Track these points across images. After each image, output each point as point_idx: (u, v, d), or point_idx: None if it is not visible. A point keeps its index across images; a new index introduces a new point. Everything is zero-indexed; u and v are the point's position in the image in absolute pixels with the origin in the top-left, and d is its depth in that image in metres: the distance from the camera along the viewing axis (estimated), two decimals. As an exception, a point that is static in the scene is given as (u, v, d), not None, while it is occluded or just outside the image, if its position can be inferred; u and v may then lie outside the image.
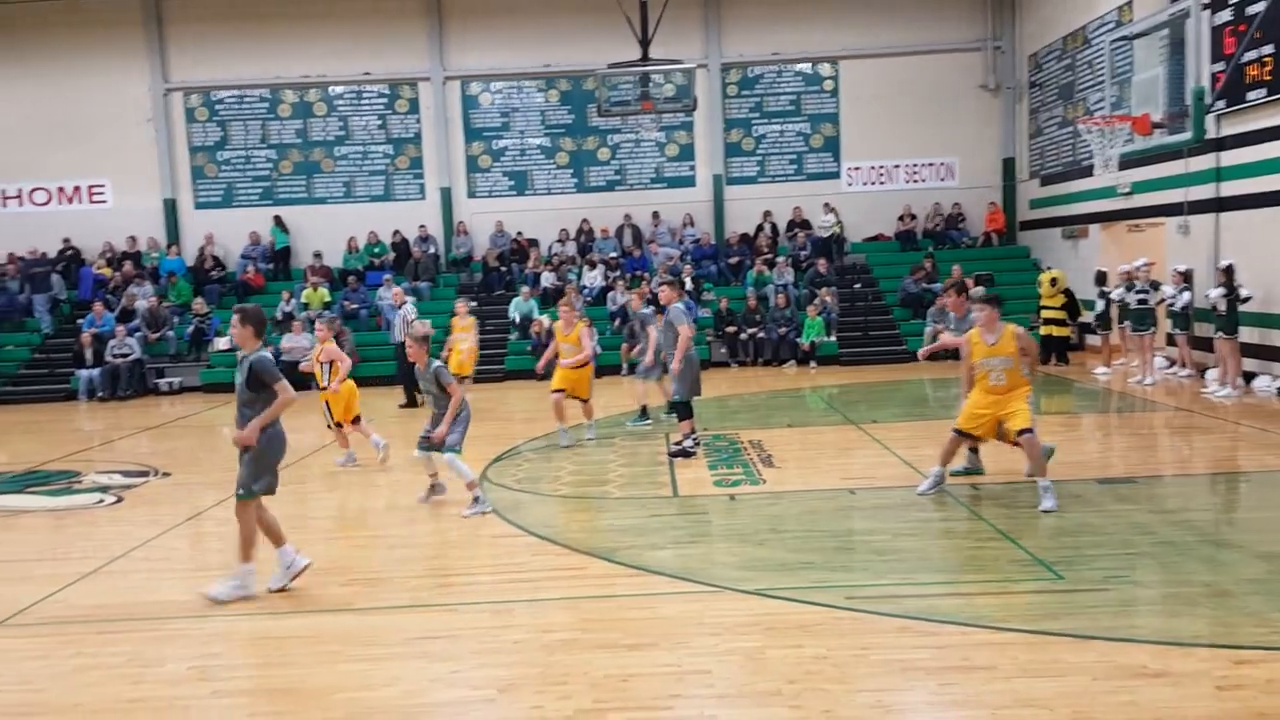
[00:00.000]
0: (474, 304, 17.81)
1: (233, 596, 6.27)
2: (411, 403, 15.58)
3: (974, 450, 8.94)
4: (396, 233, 22.40)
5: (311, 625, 5.84)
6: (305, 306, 20.38)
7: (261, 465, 6.43)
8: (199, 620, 6.00)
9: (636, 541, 7.31)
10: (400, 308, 16.31)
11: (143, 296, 20.46)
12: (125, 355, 18.76)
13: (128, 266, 21.44)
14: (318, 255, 21.82)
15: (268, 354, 6.53)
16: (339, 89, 22.73)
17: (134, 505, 9.48)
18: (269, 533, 6.51)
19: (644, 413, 12.61)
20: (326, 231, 22.37)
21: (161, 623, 6.01)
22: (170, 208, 22.68)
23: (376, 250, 22.29)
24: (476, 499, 8.29)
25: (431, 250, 22.28)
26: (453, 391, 8.22)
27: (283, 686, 4.99)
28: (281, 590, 6.42)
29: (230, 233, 22.40)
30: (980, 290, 9.16)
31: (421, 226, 22.42)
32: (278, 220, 22.41)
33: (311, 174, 22.84)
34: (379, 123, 22.78)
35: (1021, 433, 7.77)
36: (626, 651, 5.19)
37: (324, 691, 4.88)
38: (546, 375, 12.27)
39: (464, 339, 15.18)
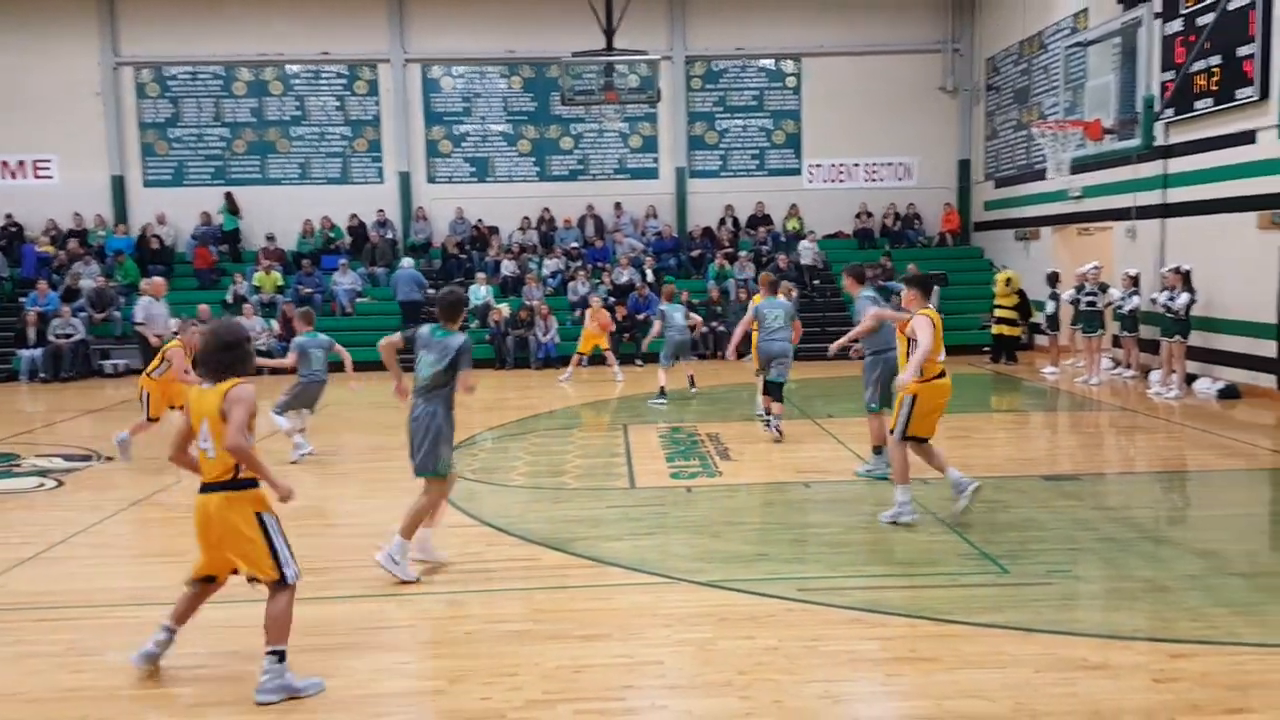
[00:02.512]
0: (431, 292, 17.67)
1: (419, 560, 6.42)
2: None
3: (878, 451, 8.84)
4: (354, 216, 22.15)
5: (258, 615, 5.75)
6: (257, 290, 20.12)
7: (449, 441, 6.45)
8: (142, 608, 5.91)
9: (592, 533, 7.33)
10: None
11: (88, 275, 20.03)
12: (69, 335, 18.36)
13: (73, 244, 20.98)
14: (270, 238, 21.52)
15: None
16: (296, 68, 22.40)
17: (75, 490, 9.31)
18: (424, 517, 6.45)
19: (661, 392, 13.64)
20: (281, 213, 22.07)
21: (104, 610, 5.91)
22: (118, 185, 22.23)
23: (333, 234, 22.03)
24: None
25: (389, 235, 22.07)
26: None
27: (227, 675, 4.93)
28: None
29: (181, 212, 22.01)
30: (912, 268, 9.20)
31: (380, 211, 22.20)
32: (228, 198, 22.00)
33: (266, 154, 22.50)
34: (337, 104, 22.49)
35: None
36: (579, 642, 5.20)
37: (272, 679, 4.82)
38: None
39: None
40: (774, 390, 10.80)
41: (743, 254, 21.19)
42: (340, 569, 6.61)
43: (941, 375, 7.28)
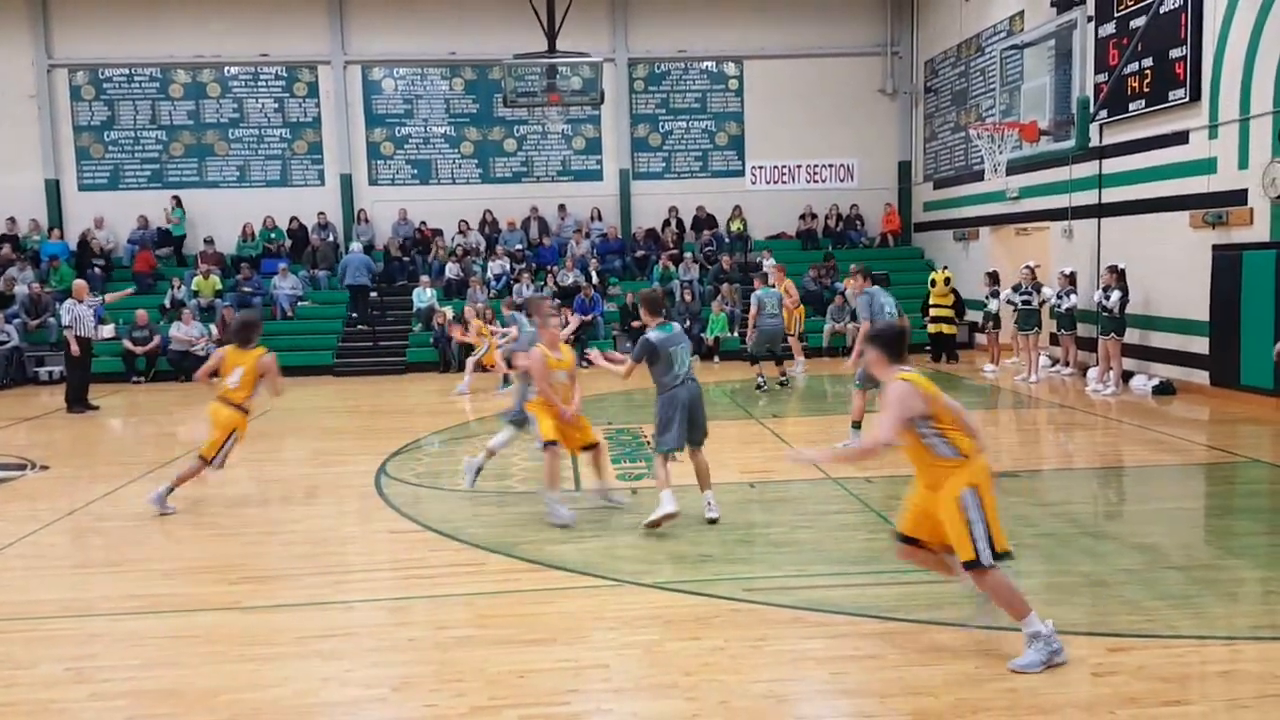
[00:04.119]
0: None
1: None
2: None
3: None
4: (294, 219, 21.84)
5: (197, 624, 5.66)
6: (195, 294, 19.73)
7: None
8: (77, 620, 5.76)
9: (537, 536, 7.28)
10: None
11: (22, 281, 19.49)
12: (2, 343, 17.86)
13: (5, 249, 20.40)
14: (209, 241, 21.13)
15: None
16: (234, 70, 22.03)
17: (9, 499, 9.04)
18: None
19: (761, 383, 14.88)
20: (219, 216, 21.69)
21: (37, 622, 5.75)
22: (53, 189, 21.68)
23: (273, 236, 21.69)
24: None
25: (331, 238, 21.79)
26: None
27: (165, 688, 4.81)
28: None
29: (117, 215, 21.53)
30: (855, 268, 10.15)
31: (320, 214, 21.91)
32: (177, 201, 21.55)
33: (204, 157, 22.10)
34: (276, 106, 22.15)
35: None
36: (524, 647, 5.16)
37: (209, 693, 4.73)
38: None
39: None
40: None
41: (687, 255, 21.26)
42: (283, 577, 6.50)
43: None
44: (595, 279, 20.47)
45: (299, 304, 20.32)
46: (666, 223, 22.45)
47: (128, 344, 17.99)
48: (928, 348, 18.40)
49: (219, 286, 20.04)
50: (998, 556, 4.69)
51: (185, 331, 18.21)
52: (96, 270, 20.18)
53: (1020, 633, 4.81)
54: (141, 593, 6.24)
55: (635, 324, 19.44)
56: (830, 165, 23.11)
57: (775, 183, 23.13)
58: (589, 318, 19.35)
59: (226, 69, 22.01)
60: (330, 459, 10.68)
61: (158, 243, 21.36)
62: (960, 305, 18.22)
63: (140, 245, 20.99)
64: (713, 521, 7.35)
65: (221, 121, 22.09)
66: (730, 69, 22.89)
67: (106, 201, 21.69)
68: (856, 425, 9.69)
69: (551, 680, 4.77)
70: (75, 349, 14.15)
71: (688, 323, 19.44)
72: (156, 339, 18.19)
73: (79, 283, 15.18)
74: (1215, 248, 12.84)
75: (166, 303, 19.45)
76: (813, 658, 4.98)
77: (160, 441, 12.41)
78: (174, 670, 5.01)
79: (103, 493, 9.07)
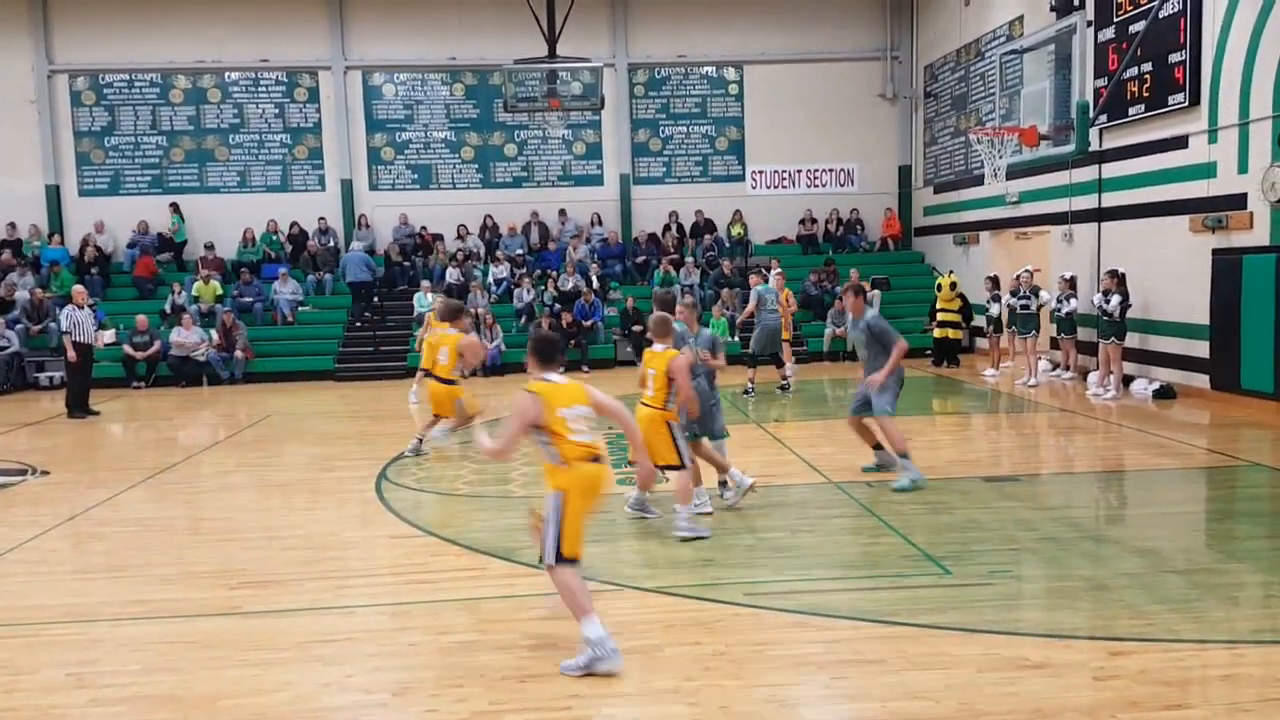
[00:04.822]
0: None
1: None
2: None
3: (878, 446, 9.12)
4: (294, 224, 21.86)
5: (198, 629, 5.65)
6: (196, 299, 19.74)
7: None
8: (78, 625, 5.75)
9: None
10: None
11: (23, 287, 19.50)
12: (3, 348, 17.88)
13: (6, 255, 20.42)
14: (209, 246, 21.15)
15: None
16: (235, 75, 22.06)
17: (10, 505, 9.04)
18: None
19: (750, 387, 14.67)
20: (220, 222, 21.71)
21: (38, 628, 5.74)
22: (53, 194, 21.70)
23: (274, 240, 21.71)
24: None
25: (331, 243, 21.81)
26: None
27: (165, 693, 4.81)
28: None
29: (118, 221, 21.55)
30: (854, 274, 9.76)
31: (321, 219, 21.93)
32: (175, 208, 21.58)
33: (205, 162, 22.12)
34: (276, 111, 22.18)
35: None
36: (525, 652, 5.16)
37: (209, 698, 4.72)
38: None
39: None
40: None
41: (688, 260, 21.27)
42: (283, 582, 6.50)
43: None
44: (596, 284, 20.48)
45: (299, 309, 20.33)
46: (667, 227, 22.47)
47: (128, 349, 18.00)
48: (928, 352, 18.40)
49: (219, 292, 20.06)
50: (564, 560, 4.89)
51: (185, 336, 18.22)
52: (94, 274, 20.23)
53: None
54: (142, 598, 6.24)
55: (636, 328, 19.47)
56: (830, 170, 23.13)
57: (775, 187, 23.14)
58: (589, 323, 19.36)
59: (227, 74, 22.04)
60: (331, 464, 10.67)
61: (158, 248, 21.38)
62: (967, 310, 18.20)
63: (141, 250, 21.00)
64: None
65: (222, 127, 22.12)
66: (730, 74, 22.92)
67: (106, 207, 21.71)
68: (877, 447, 9.17)
69: (553, 686, 4.76)
70: (73, 355, 14.16)
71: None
72: (157, 344, 18.20)
73: (78, 288, 15.20)
74: (1215, 252, 12.85)
75: (167, 308, 19.46)
76: (814, 662, 4.97)
77: (161, 446, 12.42)
78: (174, 675, 5.01)
79: (103, 498, 9.07)
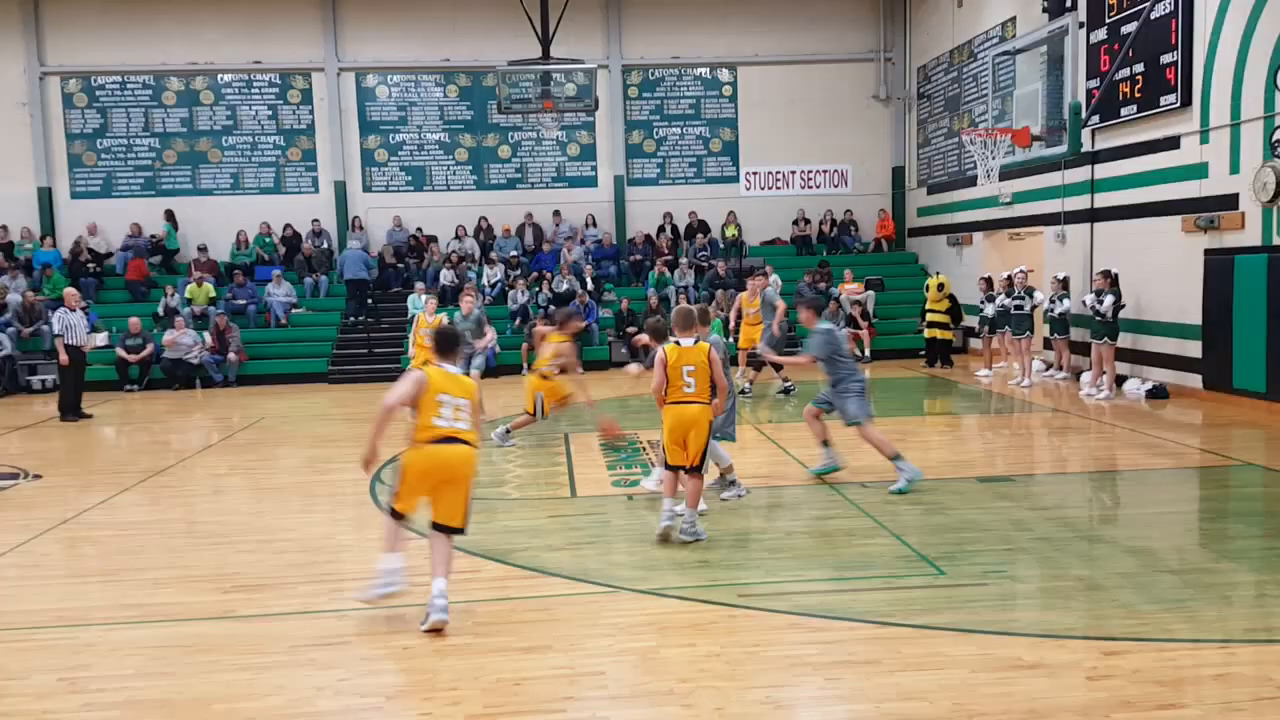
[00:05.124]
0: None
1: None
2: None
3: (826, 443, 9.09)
4: (288, 226, 21.83)
5: (190, 634, 5.64)
6: (189, 302, 19.70)
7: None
8: (70, 630, 5.73)
9: (533, 543, 7.27)
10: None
11: (15, 290, 19.44)
12: (-6, 351, 17.82)
13: (-2, 258, 20.36)
14: (202, 249, 21.11)
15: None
16: (227, 77, 22.03)
17: (2, 509, 9.00)
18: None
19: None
20: (212, 224, 21.68)
21: (30, 632, 5.72)
22: (45, 197, 21.64)
23: (267, 243, 21.67)
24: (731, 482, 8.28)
25: (325, 245, 21.78)
26: None
27: (158, 698, 4.79)
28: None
29: (110, 224, 21.49)
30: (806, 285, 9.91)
31: (315, 221, 21.90)
32: (169, 216, 21.55)
33: (197, 164, 22.09)
34: (269, 113, 22.15)
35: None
36: (520, 655, 5.15)
37: (202, 702, 4.71)
38: None
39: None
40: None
41: (683, 261, 21.28)
42: (277, 585, 6.48)
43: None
44: (590, 285, 20.48)
45: (293, 312, 20.30)
46: (661, 228, 22.47)
47: (121, 352, 17.95)
48: (922, 353, 18.43)
49: (212, 294, 20.01)
50: (395, 513, 5.79)
51: (177, 338, 18.17)
52: (92, 272, 20.17)
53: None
54: (135, 602, 6.22)
55: (630, 330, 19.48)
56: (824, 171, 23.16)
57: (769, 188, 23.17)
58: (584, 324, 19.34)
59: (220, 76, 22.00)
60: (325, 467, 10.66)
61: (151, 250, 21.33)
62: (957, 311, 18.24)
63: (135, 254, 20.95)
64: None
65: (215, 129, 22.08)
66: (724, 75, 22.94)
67: (99, 209, 21.66)
68: (826, 444, 9.16)
69: (547, 688, 4.76)
70: (64, 358, 14.12)
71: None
72: (150, 347, 18.15)
73: (70, 291, 15.15)
74: (1207, 252, 12.89)
75: (160, 310, 19.42)
76: (809, 663, 4.98)
77: (154, 450, 12.39)
78: (167, 680, 4.99)
79: (96, 501, 9.04)
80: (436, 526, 5.72)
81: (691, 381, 6.85)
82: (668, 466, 7.08)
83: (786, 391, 15.02)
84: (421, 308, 19.44)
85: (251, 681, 4.92)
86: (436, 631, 5.43)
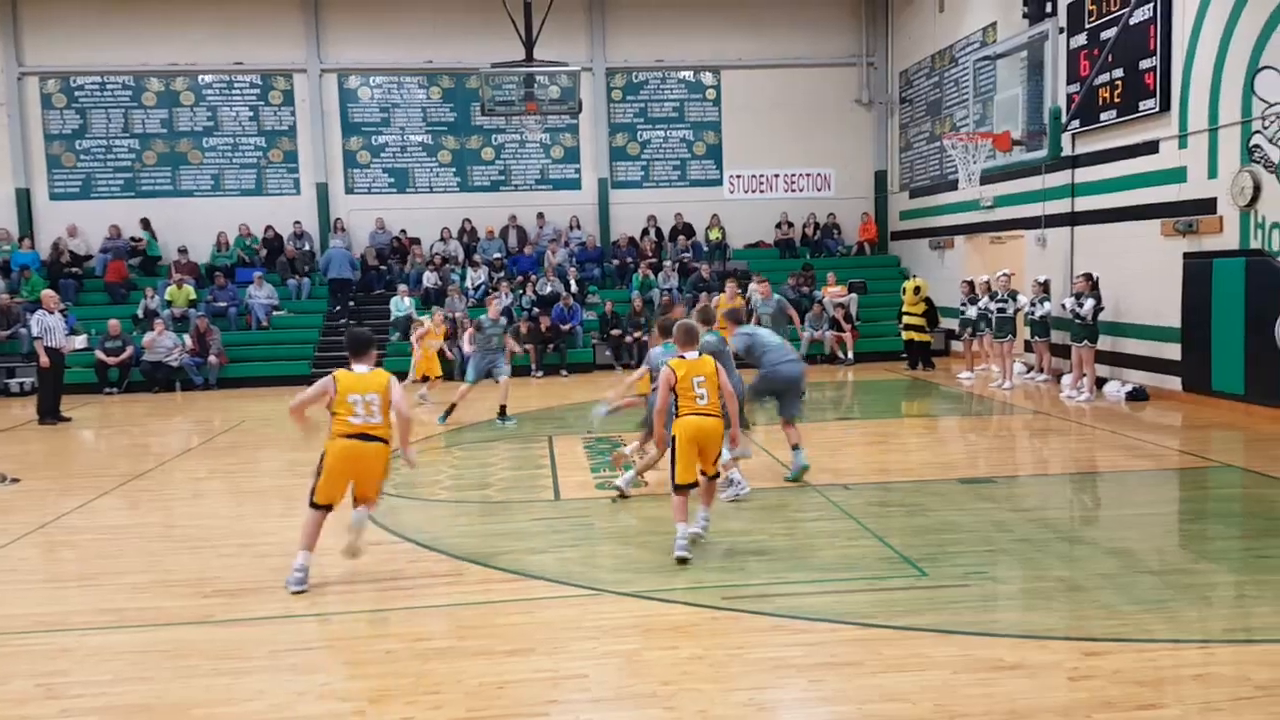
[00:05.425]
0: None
1: None
2: None
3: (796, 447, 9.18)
4: (269, 228, 21.71)
5: (170, 638, 5.59)
6: (169, 304, 19.56)
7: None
8: (48, 635, 5.68)
9: (516, 546, 7.26)
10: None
11: (-9, 291, 19.28)
12: (-29, 354, 17.65)
13: (-25, 260, 20.18)
14: (183, 250, 20.97)
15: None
16: (208, 78, 21.90)
17: (-22, 514, 8.91)
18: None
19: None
20: (192, 226, 21.55)
21: (7, 637, 5.66)
22: (23, 198, 21.45)
23: (249, 245, 21.56)
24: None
25: (307, 247, 21.68)
26: None
27: (137, 703, 4.75)
28: None
29: (89, 225, 21.33)
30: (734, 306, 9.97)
31: (296, 223, 21.80)
32: (145, 225, 21.39)
33: (178, 166, 21.95)
34: (250, 114, 22.04)
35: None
36: (503, 658, 5.13)
37: (181, 708, 4.67)
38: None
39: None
40: None
41: (667, 264, 21.29)
42: (258, 590, 6.43)
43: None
44: (574, 287, 20.47)
45: (275, 314, 20.19)
46: (645, 231, 22.49)
47: (100, 355, 17.81)
48: (904, 355, 18.51)
49: (193, 296, 19.88)
50: (314, 504, 6.36)
51: (157, 341, 18.04)
52: (71, 274, 20.01)
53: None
54: (113, 606, 6.16)
55: (614, 332, 19.48)
56: (807, 174, 23.23)
57: (753, 192, 23.22)
58: (568, 326, 19.34)
59: (200, 77, 21.88)
60: (306, 470, 10.55)
61: (131, 253, 21.18)
62: (933, 313, 18.36)
63: (114, 255, 20.80)
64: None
65: (195, 130, 21.96)
66: (708, 79, 22.98)
67: (78, 210, 21.49)
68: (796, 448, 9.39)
69: (530, 691, 4.74)
70: (45, 360, 14.01)
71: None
72: (129, 349, 18.01)
73: (48, 293, 15.03)
74: (1186, 255, 12.99)
75: (139, 313, 19.28)
76: (792, 665, 4.98)
77: (133, 453, 12.29)
78: (146, 685, 4.95)
79: (75, 505, 8.96)
80: (356, 500, 6.46)
81: (703, 393, 6.82)
82: (676, 488, 6.82)
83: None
84: (405, 310, 19.43)
85: (231, 686, 4.89)
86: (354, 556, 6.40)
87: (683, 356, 6.92)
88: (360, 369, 6.48)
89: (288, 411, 6.26)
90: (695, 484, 6.91)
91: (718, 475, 7.09)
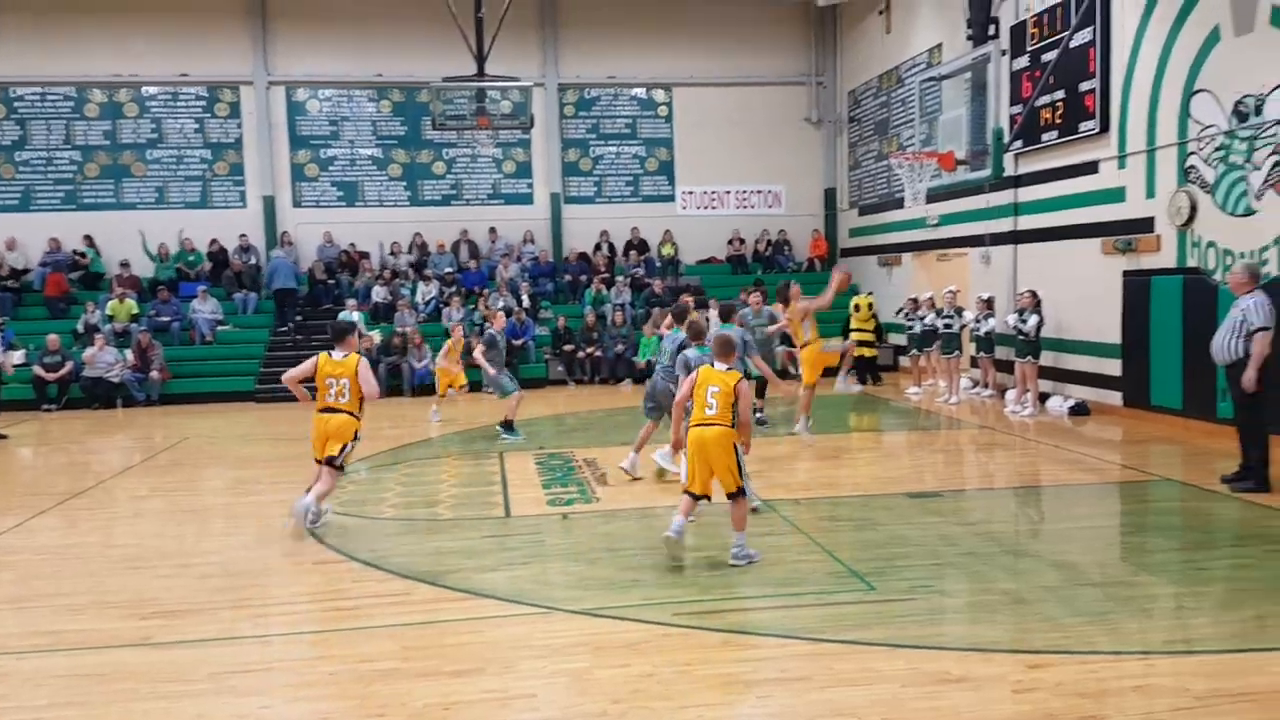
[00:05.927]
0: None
1: None
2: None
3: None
4: (214, 241, 21.38)
5: (105, 662, 5.45)
6: (110, 319, 19.16)
7: None
8: (-22, 660, 5.50)
9: (465, 564, 7.18)
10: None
11: (-75, 306, 18.74)
12: (-99, 370, 17.10)
13: (-92, 273, 19.61)
14: (125, 264, 20.56)
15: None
16: (153, 89, 21.55)
17: (-94, 535, 8.62)
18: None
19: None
20: (135, 239, 21.15)
21: (-66, 664, 5.48)
22: (-41, 210, 20.90)
23: (191, 259, 21.20)
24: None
25: (253, 261, 21.37)
26: None
27: (73, 729, 4.62)
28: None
29: (29, 238, 20.84)
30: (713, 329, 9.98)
31: (242, 236, 21.49)
32: (89, 241, 20.96)
33: (120, 178, 21.54)
34: (196, 126, 21.72)
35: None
36: (449, 679, 5.07)
37: (120, 733, 4.55)
38: None
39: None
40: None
41: (619, 279, 21.32)
42: (197, 611, 6.29)
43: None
44: (527, 302, 20.41)
45: (219, 329, 19.87)
46: (598, 246, 22.51)
47: (38, 370, 17.38)
48: (852, 369, 18.67)
49: (135, 311, 19.49)
50: (318, 461, 8.10)
51: (98, 356, 17.65)
52: (9, 288, 19.51)
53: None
54: (49, 629, 6.00)
55: (567, 347, 19.44)
56: (759, 191, 23.43)
57: (705, 208, 23.36)
58: (521, 341, 19.26)
59: (144, 89, 21.53)
60: (250, 488, 10.42)
61: (71, 266, 20.72)
62: (879, 329, 18.62)
63: (53, 269, 20.33)
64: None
65: (139, 142, 21.58)
66: (660, 95, 23.11)
67: (17, 223, 20.99)
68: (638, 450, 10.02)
69: (477, 712, 4.69)
70: None
71: (620, 346, 19.48)
72: (68, 365, 17.60)
73: None
74: (1126, 273, 13.29)
75: (80, 327, 18.86)
76: (741, 681, 4.98)
77: (72, 471, 11.99)
78: (82, 710, 4.82)
79: (10, 525, 8.72)
80: (319, 461, 8.07)
81: (714, 403, 6.90)
82: (687, 491, 7.06)
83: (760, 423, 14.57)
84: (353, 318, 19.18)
85: (170, 710, 4.77)
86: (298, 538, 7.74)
87: (713, 363, 7.11)
88: (337, 355, 8.07)
89: (283, 380, 8.23)
90: (706, 496, 7.01)
91: (741, 493, 6.97)
